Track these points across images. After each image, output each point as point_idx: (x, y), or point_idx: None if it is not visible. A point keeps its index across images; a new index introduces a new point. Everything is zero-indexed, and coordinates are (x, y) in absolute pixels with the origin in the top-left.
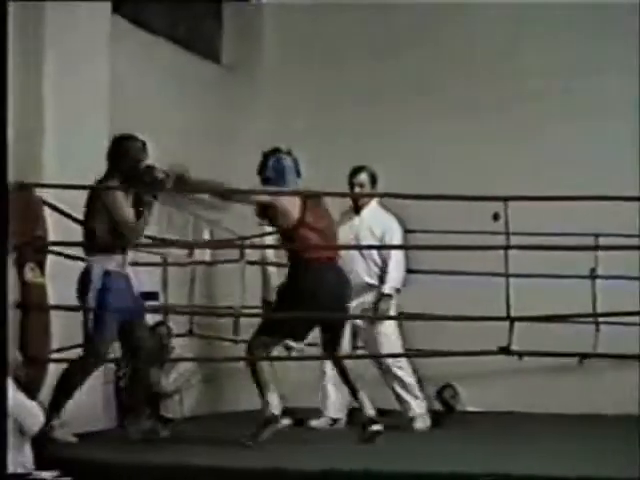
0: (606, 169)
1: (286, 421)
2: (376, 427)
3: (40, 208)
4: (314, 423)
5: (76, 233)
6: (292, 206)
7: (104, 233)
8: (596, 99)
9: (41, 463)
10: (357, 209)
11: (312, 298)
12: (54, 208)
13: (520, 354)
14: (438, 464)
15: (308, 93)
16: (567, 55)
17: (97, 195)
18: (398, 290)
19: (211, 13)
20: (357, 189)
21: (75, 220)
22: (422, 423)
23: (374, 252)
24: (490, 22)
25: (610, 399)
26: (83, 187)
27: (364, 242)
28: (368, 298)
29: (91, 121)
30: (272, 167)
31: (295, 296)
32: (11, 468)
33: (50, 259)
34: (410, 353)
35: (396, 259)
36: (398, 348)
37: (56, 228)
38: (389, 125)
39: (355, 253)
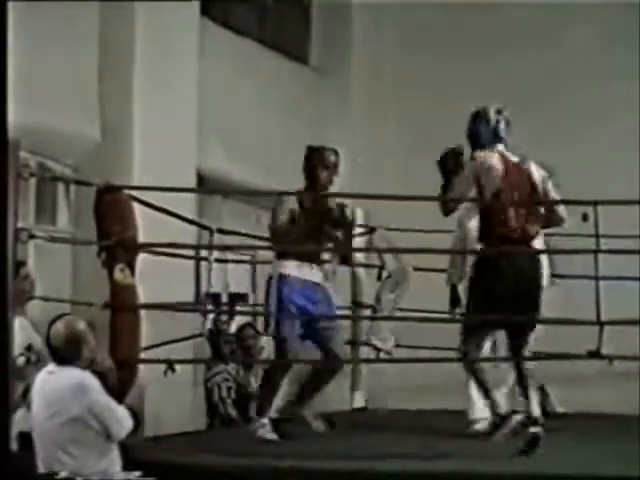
0: None
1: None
2: (534, 429)
3: (130, 209)
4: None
5: (167, 230)
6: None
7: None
8: None
9: (126, 464)
10: None
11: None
12: (147, 204)
13: (610, 358)
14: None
15: (397, 94)
16: None
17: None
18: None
19: (299, 14)
20: None
21: (169, 214)
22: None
23: None
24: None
25: None
26: (170, 189)
27: None
28: None
29: (179, 123)
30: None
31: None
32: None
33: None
34: (504, 357)
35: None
36: None
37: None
38: None
39: None
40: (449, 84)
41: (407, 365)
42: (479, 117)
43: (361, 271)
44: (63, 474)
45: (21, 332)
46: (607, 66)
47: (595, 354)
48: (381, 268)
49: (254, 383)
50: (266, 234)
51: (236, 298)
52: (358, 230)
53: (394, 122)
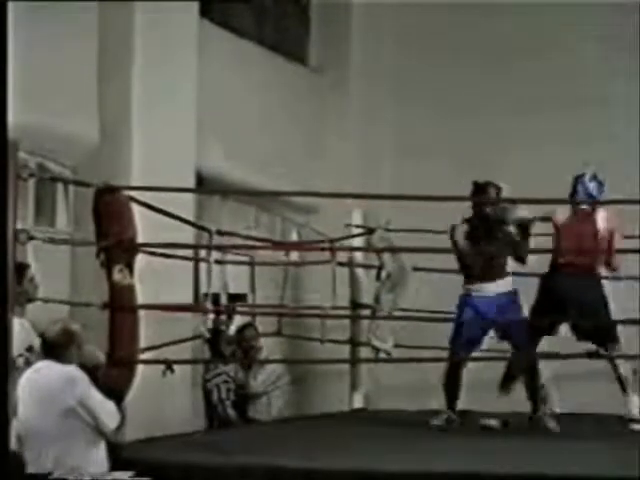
0: None
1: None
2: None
3: (129, 209)
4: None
5: (166, 231)
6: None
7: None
8: None
9: (121, 464)
10: None
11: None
12: (145, 205)
13: (610, 358)
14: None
15: (397, 95)
16: None
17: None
18: None
19: (298, 15)
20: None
21: (169, 215)
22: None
23: None
24: None
25: None
26: (169, 189)
27: None
28: None
29: (179, 124)
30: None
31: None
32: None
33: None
34: (503, 356)
35: None
36: None
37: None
38: (485, 133)
39: None
40: (449, 86)
41: (407, 365)
42: (576, 182)
43: (360, 271)
44: (57, 474)
45: (22, 333)
46: (609, 68)
47: (594, 354)
48: (380, 268)
49: (253, 383)
50: (265, 235)
51: (235, 299)
52: (358, 230)
53: (393, 123)
